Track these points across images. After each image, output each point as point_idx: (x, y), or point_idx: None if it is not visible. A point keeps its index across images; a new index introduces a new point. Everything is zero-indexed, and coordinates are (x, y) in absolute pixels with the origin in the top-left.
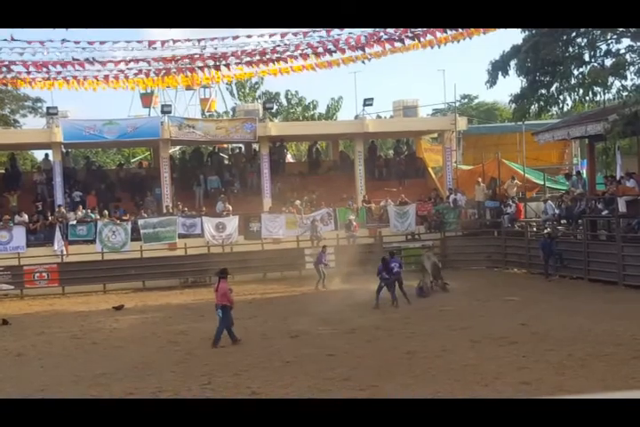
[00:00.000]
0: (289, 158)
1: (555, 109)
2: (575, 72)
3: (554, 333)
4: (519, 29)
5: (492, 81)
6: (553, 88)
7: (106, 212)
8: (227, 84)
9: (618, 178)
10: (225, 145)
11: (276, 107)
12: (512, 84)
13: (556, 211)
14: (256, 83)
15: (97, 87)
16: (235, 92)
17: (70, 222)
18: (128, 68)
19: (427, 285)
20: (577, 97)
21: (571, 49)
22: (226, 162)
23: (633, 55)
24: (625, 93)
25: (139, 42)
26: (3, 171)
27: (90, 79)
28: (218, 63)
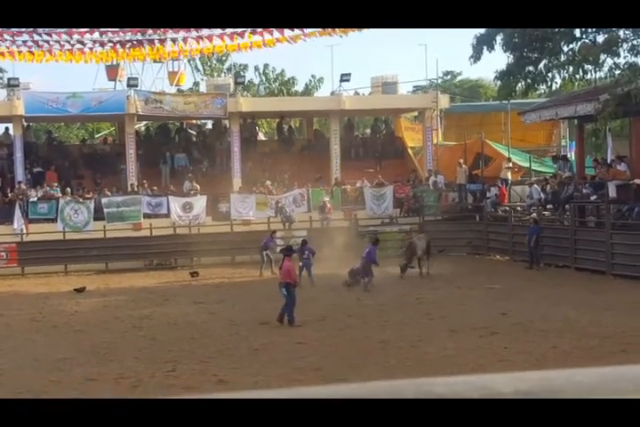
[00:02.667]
0: (261, 136)
1: (543, 88)
2: (565, 48)
3: (537, 323)
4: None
5: (477, 56)
6: (541, 65)
7: (68, 189)
8: (190, 58)
9: (609, 161)
10: (193, 121)
11: (247, 79)
12: (498, 60)
13: (542, 195)
14: (224, 54)
15: (60, 59)
16: (200, 67)
17: (31, 200)
18: (93, 40)
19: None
20: (566, 75)
21: None
22: (194, 139)
23: (626, 32)
24: (617, 72)
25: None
26: None
27: (54, 51)
28: (187, 35)
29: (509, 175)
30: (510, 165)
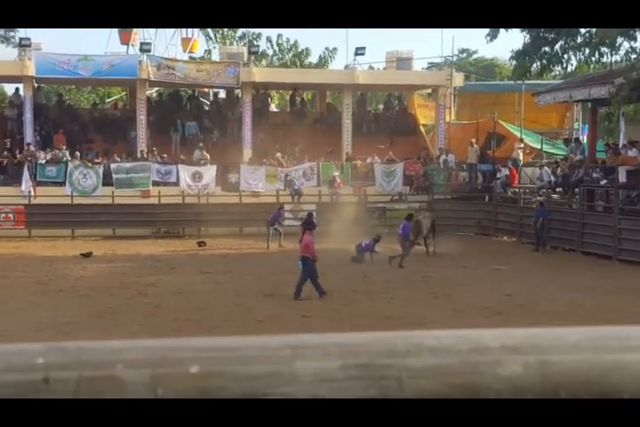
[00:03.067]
0: (273, 108)
1: (558, 69)
2: (582, 30)
3: (542, 305)
4: None
5: (493, 34)
6: (557, 46)
7: (77, 153)
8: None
9: (620, 146)
10: (206, 89)
11: (261, 49)
12: (514, 39)
13: (552, 178)
14: None
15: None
16: (211, 34)
17: (39, 162)
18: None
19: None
20: (582, 57)
21: None
22: (206, 108)
23: None
24: (634, 56)
25: None
26: None
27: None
28: None
29: (521, 156)
30: (522, 145)
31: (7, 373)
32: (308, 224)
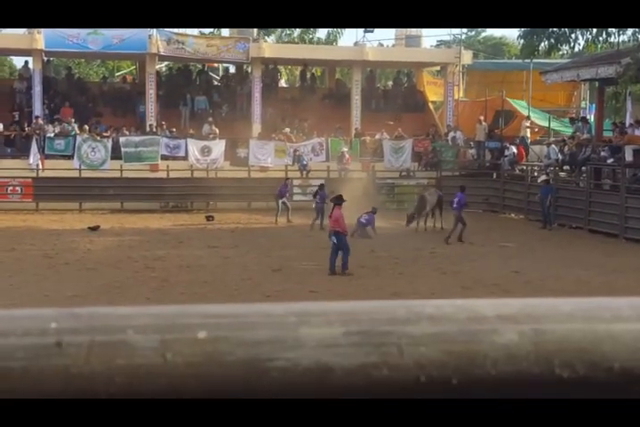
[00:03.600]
0: (282, 83)
1: (565, 48)
2: None
3: (548, 283)
4: None
5: None
6: None
7: (86, 127)
8: None
9: (627, 125)
10: (215, 64)
11: None
12: None
13: (560, 156)
14: None
15: None
16: None
17: (48, 135)
18: None
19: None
20: (590, 36)
21: None
22: (215, 82)
23: None
24: None
25: None
26: None
27: None
28: None
29: (529, 134)
30: (529, 124)
31: (21, 336)
32: (337, 199)
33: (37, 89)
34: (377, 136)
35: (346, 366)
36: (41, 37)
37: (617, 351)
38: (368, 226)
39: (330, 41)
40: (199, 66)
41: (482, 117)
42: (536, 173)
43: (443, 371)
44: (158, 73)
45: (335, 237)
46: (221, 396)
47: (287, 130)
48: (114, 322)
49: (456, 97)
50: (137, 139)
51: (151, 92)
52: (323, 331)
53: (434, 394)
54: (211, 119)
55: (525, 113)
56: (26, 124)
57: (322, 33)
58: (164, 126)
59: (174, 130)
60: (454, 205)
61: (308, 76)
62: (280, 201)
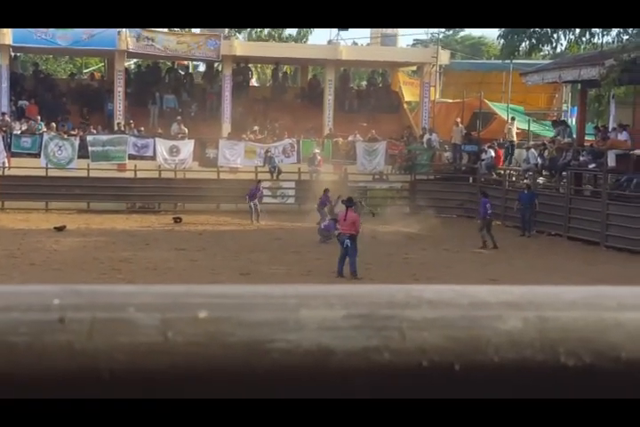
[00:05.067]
0: (253, 82)
1: (547, 49)
2: None
3: None
4: None
5: None
6: None
7: (53, 125)
8: None
9: (610, 129)
10: (185, 62)
11: None
12: None
13: (539, 160)
14: None
15: None
16: None
17: (14, 133)
18: None
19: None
20: (572, 37)
21: None
22: (185, 81)
23: None
24: (625, 37)
25: None
26: None
27: None
28: None
29: (514, 136)
30: (515, 125)
31: (25, 312)
32: (349, 201)
33: (4, 85)
34: (350, 138)
35: (347, 350)
36: (9, 32)
37: (623, 341)
38: (327, 231)
39: (300, 37)
40: (169, 63)
41: (459, 119)
42: (514, 178)
43: (445, 356)
44: (127, 70)
45: (350, 241)
46: (222, 376)
47: (256, 128)
48: (115, 299)
49: (432, 98)
50: (104, 138)
51: (119, 89)
52: (323, 313)
53: (436, 379)
54: (180, 118)
55: (504, 115)
56: None
57: (292, 30)
58: (132, 125)
59: (142, 129)
60: (480, 210)
61: (280, 75)
62: (251, 203)
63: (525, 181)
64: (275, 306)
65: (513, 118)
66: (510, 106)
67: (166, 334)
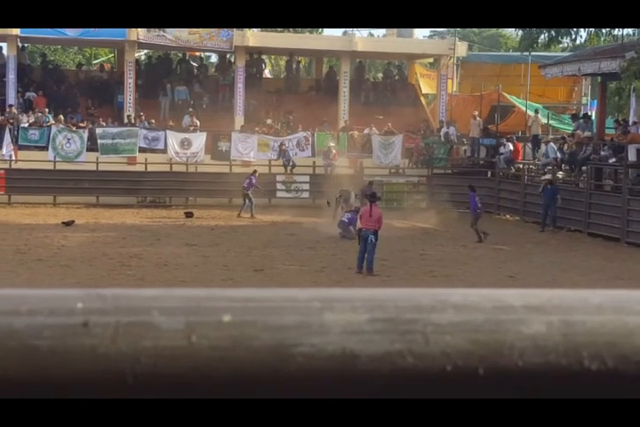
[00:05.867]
0: (266, 74)
1: (566, 41)
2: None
3: (544, 289)
4: None
5: None
6: None
7: (61, 117)
8: None
9: (630, 123)
10: (197, 53)
11: None
12: None
13: (558, 155)
14: None
15: None
16: None
17: (22, 125)
18: None
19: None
20: (592, 29)
21: None
22: (196, 72)
23: None
24: None
25: None
26: None
27: None
28: None
29: (539, 130)
30: (539, 117)
31: (48, 316)
32: (372, 196)
33: (12, 77)
34: (365, 131)
35: (371, 354)
36: None
37: None
38: (350, 225)
39: (315, 29)
40: (180, 54)
41: (476, 112)
42: (533, 173)
43: (469, 360)
44: (137, 61)
45: (374, 237)
46: (246, 379)
47: (269, 121)
48: (139, 303)
49: (449, 91)
50: (114, 130)
51: (130, 81)
52: (347, 317)
53: (459, 383)
54: (191, 110)
55: (523, 108)
56: None
57: None
58: (143, 117)
59: (153, 121)
60: (479, 205)
61: (294, 66)
62: (248, 192)
63: (548, 176)
64: (299, 310)
65: (537, 111)
66: (528, 103)
67: (190, 338)
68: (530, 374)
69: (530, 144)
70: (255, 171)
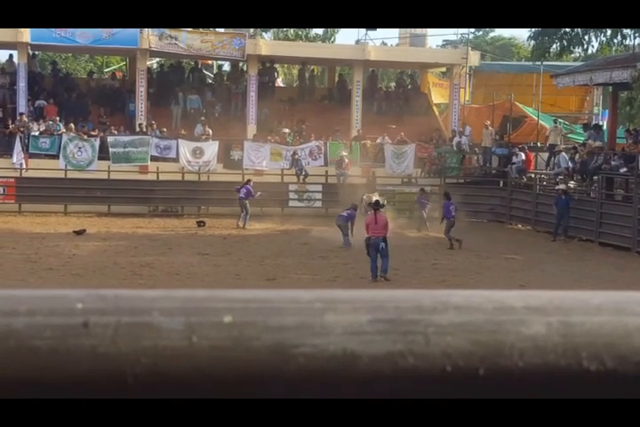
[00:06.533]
0: (279, 83)
1: (578, 51)
2: None
3: None
4: None
5: None
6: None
7: (72, 125)
8: None
9: None
10: (209, 62)
11: None
12: None
13: (570, 164)
14: None
15: None
16: None
17: (32, 133)
18: None
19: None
20: (604, 38)
21: None
22: (209, 81)
23: None
24: None
25: None
26: None
27: None
28: None
29: (558, 140)
30: (558, 126)
31: (48, 316)
32: (376, 204)
33: (22, 85)
34: (378, 140)
35: (372, 354)
36: (27, 30)
37: None
38: (348, 221)
39: (327, 37)
40: (192, 63)
41: (488, 122)
42: (545, 183)
43: (469, 361)
44: (149, 70)
45: (384, 244)
46: (247, 380)
47: (286, 130)
48: (139, 304)
49: (462, 100)
50: (126, 139)
51: (141, 89)
52: (349, 318)
53: (460, 384)
54: (203, 119)
55: (535, 118)
56: (9, 122)
57: (319, 29)
58: (155, 126)
59: (165, 130)
60: (452, 213)
61: (307, 75)
62: (245, 202)
63: (562, 186)
64: (300, 311)
65: (555, 121)
66: (540, 114)
67: (191, 339)
68: (530, 374)
69: (544, 154)
70: (249, 180)
